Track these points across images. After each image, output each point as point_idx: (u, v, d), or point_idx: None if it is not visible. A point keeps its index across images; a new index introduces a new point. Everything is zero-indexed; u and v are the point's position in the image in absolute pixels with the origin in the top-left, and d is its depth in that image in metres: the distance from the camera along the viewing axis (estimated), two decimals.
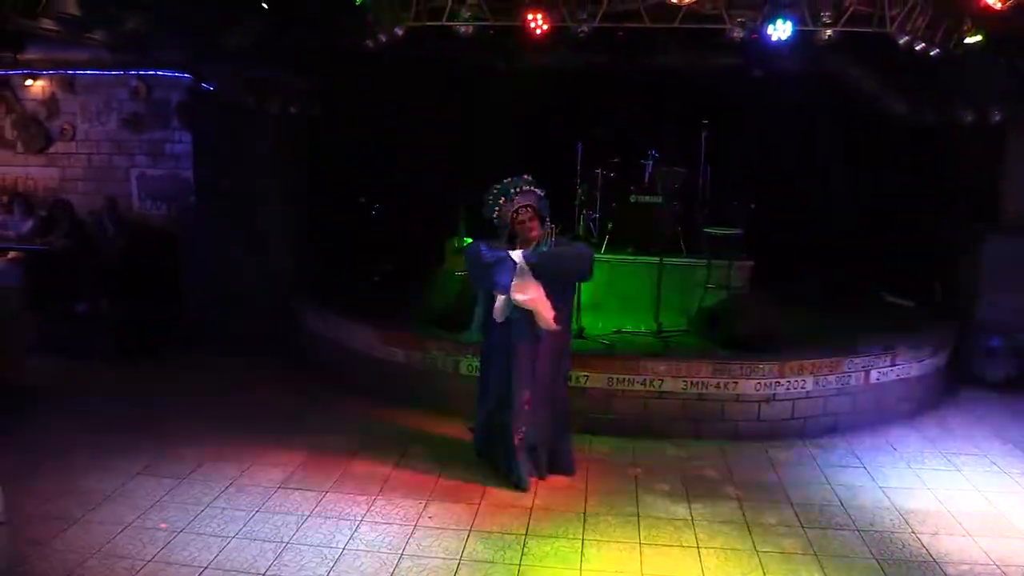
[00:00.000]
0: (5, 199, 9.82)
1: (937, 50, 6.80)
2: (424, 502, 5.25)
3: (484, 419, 5.75)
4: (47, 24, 4.97)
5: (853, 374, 6.67)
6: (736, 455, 6.14)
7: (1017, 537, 4.91)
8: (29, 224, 9.17)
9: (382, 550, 4.64)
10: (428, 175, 10.16)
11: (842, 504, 5.34)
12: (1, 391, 6.75)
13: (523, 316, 5.26)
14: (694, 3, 6.20)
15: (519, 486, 5.41)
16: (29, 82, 9.72)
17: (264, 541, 4.70)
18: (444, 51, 8.40)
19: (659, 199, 8.25)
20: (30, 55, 8.65)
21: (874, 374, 6.76)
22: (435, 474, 5.68)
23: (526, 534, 4.86)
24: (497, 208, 5.31)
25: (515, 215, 5.25)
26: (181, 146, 9.68)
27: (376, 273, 9.43)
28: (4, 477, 4.33)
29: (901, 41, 6.96)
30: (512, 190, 5.26)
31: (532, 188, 5.31)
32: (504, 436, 5.48)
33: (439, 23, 7.25)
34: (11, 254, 8.90)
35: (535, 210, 5.29)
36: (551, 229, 5.39)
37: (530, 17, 6.82)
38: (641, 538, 4.86)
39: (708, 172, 8.79)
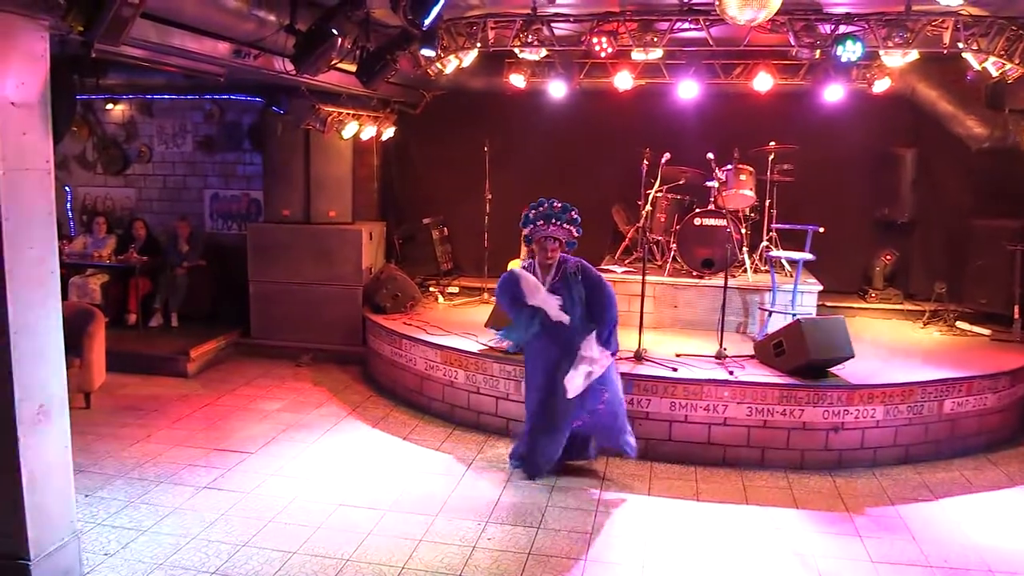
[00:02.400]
0: (85, 218, 10.24)
1: (1015, 70, 6.60)
2: (483, 524, 5.25)
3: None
4: (128, 51, 5.15)
5: (926, 403, 6.45)
6: (801, 485, 5.99)
7: None
8: (107, 243, 9.51)
9: (440, 571, 4.64)
10: (492, 197, 10.23)
11: (914, 539, 5.15)
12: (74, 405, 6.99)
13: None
14: (763, 27, 6.12)
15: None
16: (109, 106, 10.18)
17: (325, 557, 4.75)
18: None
19: (724, 221, 8.15)
20: (111, 80, 9.01)
21: (948, 404, 6.52)
22: (495, 496, 5.68)
23: (586, 559, 4.82)
24: (532, 225, 5.67)
25: (542, 239, 5.64)
26: (252, 167, 9.98)
27: (443, 294, 9.55)
28: (76, 488, 4.48)
29: (976, 60, 6.79)
30: (554, 220, 5.62)
31: (571, 226, 5.66)
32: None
33: (504, 48, 7.36)
34: (89, 272, 9.24)
35: (561, 244, 5.71)
36: (578, 267, 5.73)
37: (595, 41, 6.86)
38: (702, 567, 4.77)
39: (776, 194, 8.66)
